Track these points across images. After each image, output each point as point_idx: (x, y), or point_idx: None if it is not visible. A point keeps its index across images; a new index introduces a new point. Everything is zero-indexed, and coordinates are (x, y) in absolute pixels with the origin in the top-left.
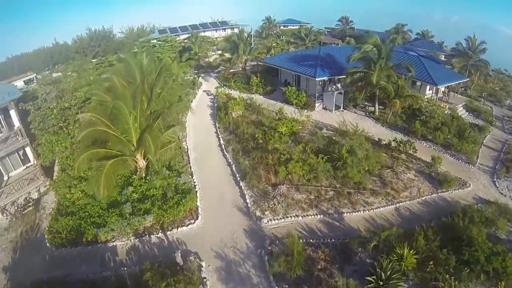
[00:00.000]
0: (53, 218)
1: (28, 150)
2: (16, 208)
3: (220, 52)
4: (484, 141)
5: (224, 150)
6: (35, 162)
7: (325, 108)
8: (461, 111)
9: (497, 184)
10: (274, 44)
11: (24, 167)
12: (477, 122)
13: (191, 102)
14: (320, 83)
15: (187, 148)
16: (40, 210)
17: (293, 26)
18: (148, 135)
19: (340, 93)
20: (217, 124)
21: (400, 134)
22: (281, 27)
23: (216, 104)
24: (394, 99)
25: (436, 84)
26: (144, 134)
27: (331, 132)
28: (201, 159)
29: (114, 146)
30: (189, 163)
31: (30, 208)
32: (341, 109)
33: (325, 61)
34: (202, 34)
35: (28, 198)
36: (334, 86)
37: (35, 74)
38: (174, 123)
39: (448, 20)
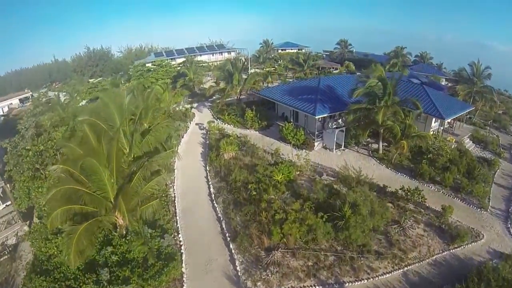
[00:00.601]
0: (28, 275)
1: (7, 189)
2: None
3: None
4: (494, 178)
5: (214, 201)
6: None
7: (325, 147)
8: (468, 143)
9: (511, 230)
10: (272, 68)
11: (4, 205)
12: (485, 155)
13: (182, 137)
14: (320, 119)
15: (174, 196)
16: (17, 260)
17: (291, 49)
18: (122, 198)
19: (342, 131)
20: (207, 167)
21: (407, 177)
22: (279, 51)
23: (208, 141)
24: (401, 140)
25: (444, 118)
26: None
27: (332, 179)
28: (189, 212)
29: (89, 204)
30: (176, 215)
31: (6, 256)
32: (342, 147)
33: (325, 94)
34: (199, 57)
35: (4, 244)
36: (335, 122)
37: (31, 93)
38: (160, 167)
39: (442, 39)
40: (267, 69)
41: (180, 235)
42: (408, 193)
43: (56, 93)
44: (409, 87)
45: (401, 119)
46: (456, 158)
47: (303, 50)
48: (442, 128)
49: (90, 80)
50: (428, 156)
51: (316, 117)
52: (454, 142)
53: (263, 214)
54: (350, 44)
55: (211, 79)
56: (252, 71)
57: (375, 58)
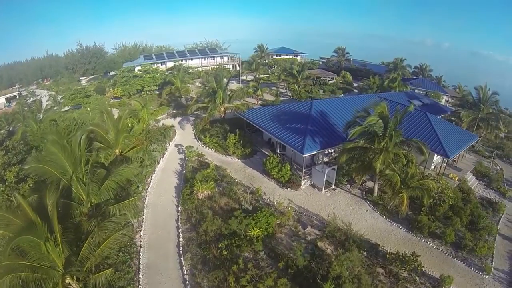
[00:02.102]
0: None
1: None
2: None
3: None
4: (499, 227)
5: (182, 257)
6: None
7: (313, 185)
8: (471, 180)
9: None
10: (265, 76)
11: None
12: (489, 195)
13: (158, 163)
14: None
15: (140, 246)
16: None
17: (287, 55)
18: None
19: (333, 169)
20: (180, 207)
21: (403, 229)
22: (274, 56)
23: (184, 171)
24: (401, 192)
25: (449, 156)
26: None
27: (317, 233)
28: (154, 269)
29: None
30: (138, 273)
31: None
32: (333, 186)
33: (317, 124)
34: (190, 61)
35: None
36: (326, 155)
37: (18, 92)
38: (125, 210)
39: (440, 46)
40: (259, 76)
41: None
42: (404, 259)
43: (38, 97)
44: (411, 116)
45: (403, 164)
46: (459, 203)
47: (299, 57)
48: (445, 163)
49: (81, 78)
50: (428, 202)
51: (304, 155)
52: (457, 180)
53: (232, 285)
54: (348, 53)
55: (201, 86)
56: (244, 77)
57: (373, 68)
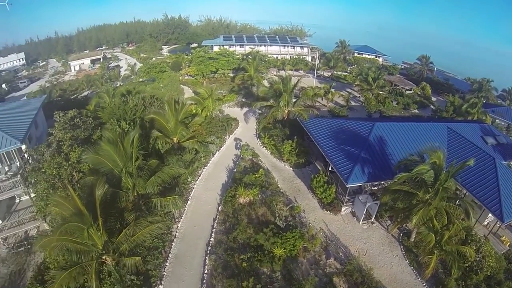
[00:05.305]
0: (32, 279)
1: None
2: (13, 243)
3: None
4: None
5: (207, 257)
6: None
7: (353, 213)
8: None
9: None
10: (343, 73)
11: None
12: None
13: (213, 155)
14: None
15: (175, 237)
16: (31, 254)
17: (368, 55)
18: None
19: (376, 203)
20: (220, 207)
21: None
22: (355, 54)
23: (235, 169)
24: (432, 253)
25: (503, 221)
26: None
27: (337, 267)
28: (180, 260)
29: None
30: (167, 260)
31: (23, 248)
32: (372, 219)
33: (372, 152)
34: (270, 48)
35: (25, 235)
36: (375, 186)
37: (103, 54)
38: (171, 195)
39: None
40: (337, 73)
41: (160, 287)
42: None
43: (118, 64)
44: (476, 157)
45: (442, 224)
46: (500, 275)
47: (380, 59)
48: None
49: (163, 46)
50: (463, 264)
51: (348, 185)
52: (508, 246)
53: None
54: (431, 62)
55: (276, 74)
56: (320, 72)
57: (455, 83)
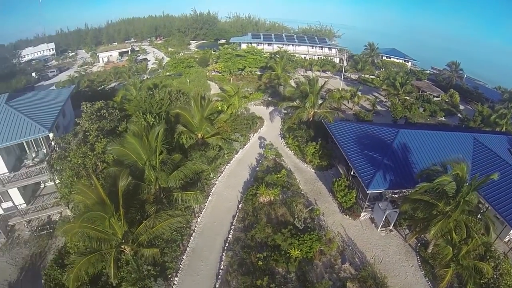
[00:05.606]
0: (52, 262)
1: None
2: (36, 226)
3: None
4: None
5: (224, 253)
6: None
7: (371, 220)
8: None
9: None
10: (370, 77)
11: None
12: None
13: (237, 153)
14: None
15: (193, 231)
16: (52, 238)
17: (397, 59)
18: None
19: (396, 211)
20: (240, 204)
21: None
22: (383, 57)
23: (258, 168)
24: (448, 266)
25: None
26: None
27: (352, 273)
28: (197, 254)
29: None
30: (184, 253)
31: (45, 231)
32: (391, 227)
33: (395, 159)
34: (298, 47)
35: (48, 220)
36: (396, 194)
37: (131, 47)
38: (192, 190)
39: None
40: (364, 76)
41: (176, 279)
42: None
43: (146, 57)
44: (501, 170)
45: (462, 237)
46: None
47: (409, 63)
48: None
49: (191, 41)
50: (479, 279)
51: (368, 191)
52: None
53: None
54: (461, 69)
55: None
56: (347, 74)
57: (485, 92)
